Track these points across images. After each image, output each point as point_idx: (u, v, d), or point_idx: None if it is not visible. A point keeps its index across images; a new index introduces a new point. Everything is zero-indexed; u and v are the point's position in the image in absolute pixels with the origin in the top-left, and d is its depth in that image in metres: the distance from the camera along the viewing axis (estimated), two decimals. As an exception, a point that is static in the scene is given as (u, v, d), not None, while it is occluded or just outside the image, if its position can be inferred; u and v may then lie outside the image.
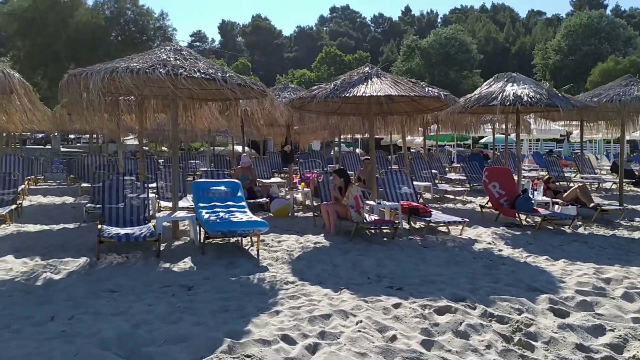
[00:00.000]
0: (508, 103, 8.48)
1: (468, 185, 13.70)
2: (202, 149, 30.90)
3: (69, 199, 11.67)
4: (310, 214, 9.39)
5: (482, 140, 32.28)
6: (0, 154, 12.33)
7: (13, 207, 8.51)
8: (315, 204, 9.25)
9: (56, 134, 23.09)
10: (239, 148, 20.90)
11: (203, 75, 6.35)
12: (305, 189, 10.76)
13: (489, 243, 7.23)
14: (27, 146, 27.56)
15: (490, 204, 9.35)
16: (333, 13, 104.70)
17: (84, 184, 12.15)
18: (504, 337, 3.76)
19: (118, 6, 38.46)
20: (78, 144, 34.09)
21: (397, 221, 7.82)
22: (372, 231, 7.79)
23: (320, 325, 3.89)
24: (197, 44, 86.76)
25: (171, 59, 6.56)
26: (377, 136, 14.27)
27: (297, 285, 5.01)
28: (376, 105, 9.13)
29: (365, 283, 5.14)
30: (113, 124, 9.43)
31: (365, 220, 7.43)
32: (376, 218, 7.90)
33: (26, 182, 12.37)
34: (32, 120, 7.62)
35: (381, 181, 9.09)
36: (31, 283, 4.96)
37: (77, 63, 35.00)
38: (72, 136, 34.51)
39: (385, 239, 7.44)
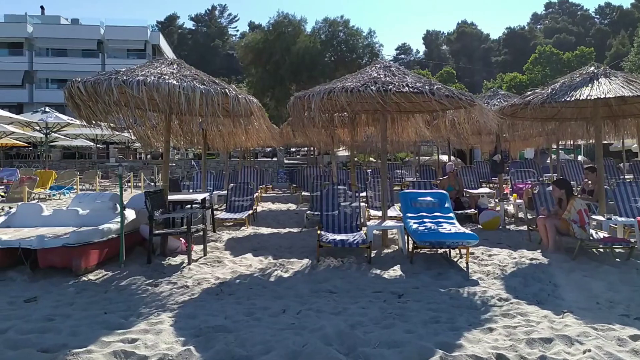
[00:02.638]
0: None
1: None
2: (407, 158, 31.40)
3: (292, 206, 13.19)
4: (523, 228, 8.80)
5: None
6: (240, 167, 14.54)
7: (250, 212, 10.01)
8: (529, 216, 8.64)
9: (281, 147, 26.13)
10: (444, 157, 20.65)
11: (411, 89, 6.56)
12: (518, 201, 10.14)
13: None
14: (259, 159, 31.77)
15: None
16: (549, 9, 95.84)
17: (304, 193, 13.56)
18: None
19: (332, 30, 41.84)
20: (297, 156, 37.98)
21: (633, 240, 6.80)
22: (601, 250, 6.93)
23: (540, 349, 3.65)
24: (402, 56, 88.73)
25: (381, 76, 6.93)
26: (605, 142, 12.61)
27: (511, 303, 4.78)
28: (604, 108, 8.13)
29: (593, 308, 4.62)
30: (328, 137, 10.34)
31: (591, 238, 6.66)
32: (606, 235, 7.00)
33: (259, 191, 14.34)
34: (265, 138, 8.90)
35: (611, 193, 8.02)
36: (266, 279, 5.78)
37: (297, 84, 39.18)
38: (293, 149, 38.60)
39: (617, 259, 6.54)
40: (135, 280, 5.65)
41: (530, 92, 8.02)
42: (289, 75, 39.44)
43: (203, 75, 6.80)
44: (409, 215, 7.10)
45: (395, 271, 6.09)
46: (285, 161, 29.86)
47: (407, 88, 6.55)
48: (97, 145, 29.69)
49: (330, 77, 36.98)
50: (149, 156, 34.73)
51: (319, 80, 35.46)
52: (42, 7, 51.21)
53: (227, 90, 6.44)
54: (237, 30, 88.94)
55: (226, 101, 6.45)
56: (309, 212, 9.69)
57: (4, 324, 4.08)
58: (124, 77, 6.19)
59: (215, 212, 9.43)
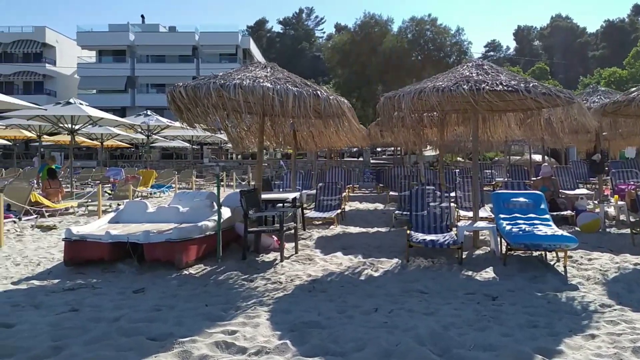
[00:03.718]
0: None
1: None
2: (496, 158, 30.14)
3: (380, 206, 13.17)
4: (626, 231, 8.15)
5: None
6: (327, 166, 14.76)
7: (338, 211, 10.14)
8: (632, 219, 8.00)
9: (367, 147, 26.14)
10: (536, 157, 19.57)
11: (505, 88, 6.32)
12: (620, 202, 9.43)
13: None
14: (345, 159, 32.00)
15: None
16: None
17: (391, 193, 13.50)
18: None
19: (419, 29, 41.19)
20: (383, 156, 37.78)
21: None
22: None
23: (650, 360, 3.40)
24: (491, 53, 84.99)
25: (473, 74, 6.73)
26: None
27: (615, 310, 4.48)
28: None
29: None
30: (416, 137, 10.21)
31: None
32: None
33: (347, 190, 14.47)
34: (354, 138, 8.98)
35: None
36: (356, 277, 5.84)
37: (384, 84, 39.00)
38: (378, 149, 38.46)
39: None
40: (231, 275, 5.95)
41: (635, 88, 7.42)
42: (376, 75, 39.39)
43: (295, 78, 7.00)
44: (502, 216, 6.85)
45: (488, 273, 5.90)
46: (372, 161, 29.83)
47: (500, 86, 6.31)
48: (193, 146, 31.50)
49: (417, 76, 36.44)
50: (239, 156, 36.26)
51: (405, 80, 35.03)
52: (142, 17, 55.35)
53: (318, 92, 6.58)
54: (324, 32, 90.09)
55: (317, 102, 6.60)
56: (397, 211, 9.64)
57: (116, 313, 4.47)
58: (222, 81, 6.52)
59: (304, 211, 9.66)
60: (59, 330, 3.97)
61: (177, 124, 19.16)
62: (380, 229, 9.32)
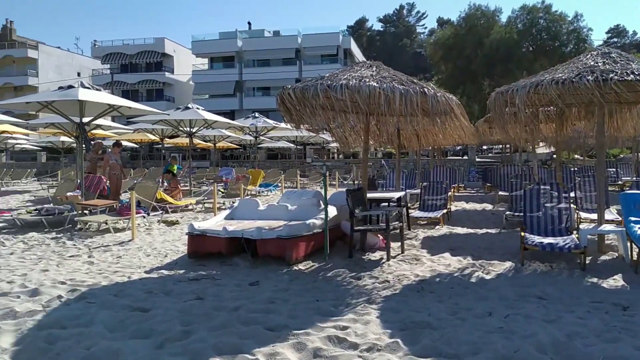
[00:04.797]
0: None
1: None
2: (621, 155, 27.41)
3: (488, 206, 12.62)
4: None
5: None
6: (431, 165, 14.43)
7: (444, 211, 9.89)
8: None
9: (473, 145, 25.14)
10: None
11: (638, 77, 5.73)
12: None
13: None
14: (448, 157, 31.09)
15: None
16: None
17: (500, 192, 12.86)
18: None
19: (530, 17, 38.76)
20: (489, 154, 36.09)
21: None
22: None
23: None
24: (614, 40, 77.32)
25: (599, 64, 6.20)
26: None
27: None
28: None
29: None
30: (530, 134, 9.62)
31: None
32: None
33: (452, 190, 14.06)
34: (462, 136, 8.70)
35: None
36: (466, 279, 5.66)
37: (491, 79, 37.28)
38: (484, 147, 36.83)
39: None
40: (339, 272, 6.06)
41: None
42: (482, 69, 37.75)
43: (401, 76, 6.95)
44: (632, 219, 6.23)
45: (616, 281, 5.41)
46: (477, 159, 28.64)
47: (632, 76, 5.74)
48: (297, 147, 32.47)
49: (528, 68, 34.33)
50: (340, 155, 36.70)
51: (515, 73, 33.18)
52: (249, 23, 58.23)
53: (425, 89, 6.47)
54: (425, 28, 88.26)
55: (424, 100, 6.49)
56: (508, 212, 9.18)
57: (235, 303, 4.75)
58: (328, 82, 6.65)
59: (409, 210, 9.55)
60: (187, 316, 4.32)
61: (283, 125, 19.90)
62: (489, 230, 8.93)
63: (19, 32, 61.03)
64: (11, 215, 10.24)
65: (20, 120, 16.11)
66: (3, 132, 18.43)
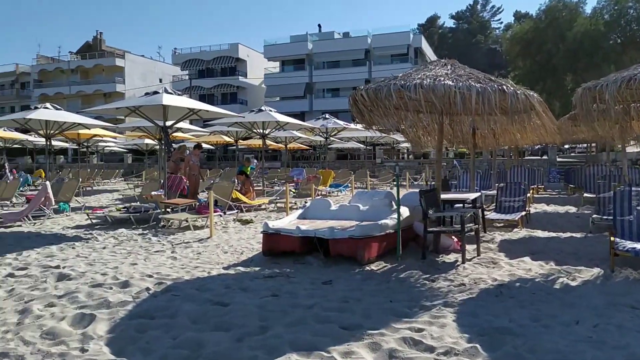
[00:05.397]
0: None
1: None
2: None
3: (572, 209, 11.92)
4: None
5: None
6: (508, 165, 13.86)
7: (523, 213, 9.46)
8: None
9: (553, 145, 23.87)
10: None
11: None
12: None
13: None
14: (525, 157, 29.72)
15: None
16: None
17: (585, 194, 12.11)
18: None
19: (618, 7, 36.20)
20: (572, 154, 34.09)
21: None
22: None
23: None
24: None
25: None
26: None
27: None
28: None
29: None
30: (619, 131, 9.00)
31: None
32: None
33: (531, 191, 13.43)
34: (544, 134, 8.27)
35: None
36: (550, 285, 5.38)
37: (573, 73, 35.20)
38: (566, 146, 34.85)
39: None
40: (412, 273, 5.97)
41: None
42: (564, 64, 35.76)
43: (478, 74, 6.73)
44: None
45: None
46: (558, 159, 27.14)
47: None
48: (366, 147, 32.37)
49: (616, 61, 32.05)
50: (410, 156, 36.15)
51: (601, 67, 31.15)
52: (319, 25, 58.62)
53: (504, 87, 6.23)
54: (501, 23, 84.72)
55: (503, 98, 6.25)
56: (594, 215, 8.61)
57: (310, 301, 4.82)
58: (402, 82, 6.57)
59: (484, 212, 9.22)
60: (264, 312, 4.45)
61: (352, 125, 19.95)
62: (574, 234, 8.43)
63: (108, 42, 65.64)
64: (103, 213, 11.03)
65: (110, 124, 17.28)
66: (95, 135, 19.93)
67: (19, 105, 58.26)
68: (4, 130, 20.28)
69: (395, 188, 7.20)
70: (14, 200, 14.67)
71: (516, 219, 9.07)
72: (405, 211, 7.53)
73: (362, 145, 31.37)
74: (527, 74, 38.70)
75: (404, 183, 20.79)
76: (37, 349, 3.79)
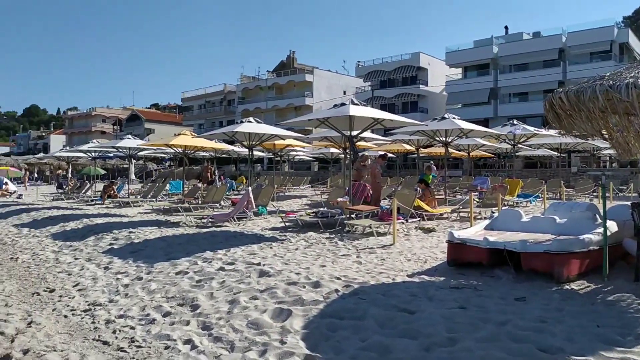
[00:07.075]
0: None
1: None
2: None
3: None
4: None
5: None
6: None
7: None
8: None
9: None
10: None
11: None
12: None
13: None
14: None
15: None
16: None
17: None
18: None
19: None
20: None
21: None
22: None
23: None
24: None
25: None
26: None
27: None
28: None
29: None
30: None
31: None
32: None
33: None
34: None
35: None
36: None
37: None
38: None
39: None
40: (623, 297, 5.25)
41: None
42: None
43: None
44: None
45: None
46: None
47: None
48: (560, 155, 29.41)
49: None
50: (614, 164, 31.74)
51: None
52: (506, 27, 55.22)
53: None
54: None
55: None
56: None
57: (502, 317, 4.56)
58: (610, 82, 5.87)
59: None
60: (451, 324, 4.36)
61: (544, 131, 18.30)
62: None
63: (300, 60, 71.59)
64: (295, 217, 12.03)
65: (301, 135, 18.76)
66: (288, 145, 21.88)
67: (226, 119, 66.93)
68: (216, 141, 23.47)
69: (598, 200, 6.42)
70: (222, 203, 16.89)
71: None
72: (612, 226, 6.66)
73: (554, 153, 28.56)
74: None
75: (608, 195, 18.35)
76: (245, 336, 4.31)
